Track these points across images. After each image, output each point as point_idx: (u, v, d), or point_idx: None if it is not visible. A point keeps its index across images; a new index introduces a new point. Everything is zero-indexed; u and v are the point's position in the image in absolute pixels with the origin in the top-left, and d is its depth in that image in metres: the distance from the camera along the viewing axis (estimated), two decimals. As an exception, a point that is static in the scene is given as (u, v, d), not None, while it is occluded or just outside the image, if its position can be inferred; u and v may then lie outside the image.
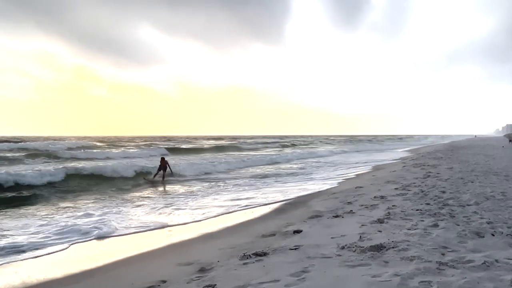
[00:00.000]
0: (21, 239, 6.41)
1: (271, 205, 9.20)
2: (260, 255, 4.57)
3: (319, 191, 11.06)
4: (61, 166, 16.60)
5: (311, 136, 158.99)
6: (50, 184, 13.70)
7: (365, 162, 23.94)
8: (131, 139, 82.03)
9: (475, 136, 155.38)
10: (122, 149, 38.90)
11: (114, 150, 36.09)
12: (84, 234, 6.66)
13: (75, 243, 6.24)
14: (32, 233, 6.81)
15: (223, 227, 7.06)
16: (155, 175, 15.82)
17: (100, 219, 7.85)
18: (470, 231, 5.02)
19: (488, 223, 5.43)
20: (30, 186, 13.02)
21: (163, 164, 16.03)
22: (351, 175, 16.03)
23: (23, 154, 27.58)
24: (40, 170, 15.13)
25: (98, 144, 48.00)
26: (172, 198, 11.00)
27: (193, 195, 11.49)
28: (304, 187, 12.35)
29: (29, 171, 14.95)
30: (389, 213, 6.46)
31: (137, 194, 12.20)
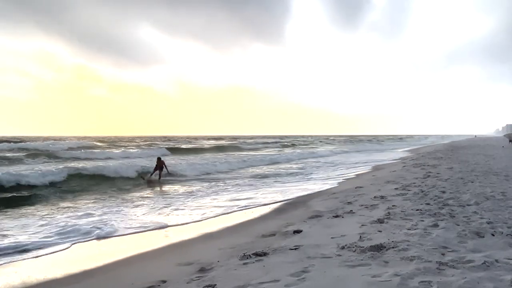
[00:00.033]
0: (21, 239, 6.41)
1: (271, 205, 9.20)
2: (260, 255, 4.57)
3: (319, 191, 11.06)
4: (61, 166, 16.62)
5: (311, 136, 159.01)
6: (50, 184, 13.70)
7: (365, 162, 23.94)
8: (131, 139, 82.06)
9: (475, 136, 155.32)
10: (123, 149, 38.94)
11: (114, 150, 36.11)
12: (84, 234, 6.66)
13: (75, 243, 6.24)
14: (33, 233, 6.81)
15: (223, 227, 7.06)
16: (151, 175, 16.13)
17: (100, 219, 7.86)
18: (470, 231, 5.02)
19: (488, 223, 5.43)
20: (30, 186, 13.02)
21: (160, 164, 16.38)
22: (351, 175, 16.03)
23: (23, 154, 27.59)
24: (40, 170, 15.15)
25: (98, 144, 48.03)
26: (172, 198, 11.01)
27: (193, 195, 11.49)
28: (304, 187, 12.35)
29: (30, 171, 14.96)
30: (389, 213, 6.46)
31: (137, 194, 12.21)
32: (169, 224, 7.51)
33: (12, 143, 39.68)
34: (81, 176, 15.34)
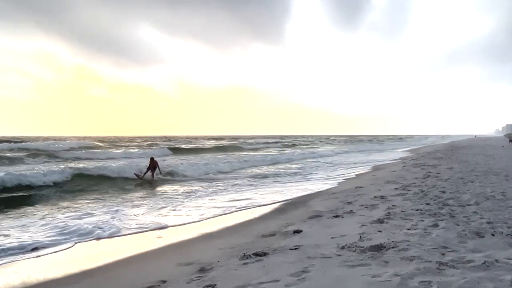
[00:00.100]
0: (22, 239, 6.41)
1: (271, 205, 9.19)
2: (260, 255, 4.57)
3: (319, 191, 11.06)
4: (62, 166, 16.63)
5: (311, 136, 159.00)
6: (51, 184, 13.70)
7: (365, 162, 23.94)
8: (132, 139, 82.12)
9: (475, 136, 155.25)
10: (123, 149, 38.96)
11: (115, 150, 36.14)
12: (84, 234, 6.66)
13: (75, 243, 6.24)
14: (33, 233, 6.81)
15: (223, 227, 7.06)
16: (144, 174, 16.31)
17: (101, 219, 7.86)
18: (470, 231, 5.02)
19: (488, 223, 5.43)
20: (31, 186, 13.02)
21: (153, 164, 16.59)
22: (351, 175, 16.02)
23: (24, 154, 27.62)
24: (41, 170, 15.15)
25: (99, 144, 48.05)
26: (172, 198, 11.01)
27: (193, 195, 11.49)
28: (304, 187, 12.35)
29: (30, 171, 14.97)
30: (389, 213, 6.46)
31: (138, 194, 12.21)
32: (169, 224, 7.50)
33: (12, 143, 39.74)
34: (82, 176, 15.31)
